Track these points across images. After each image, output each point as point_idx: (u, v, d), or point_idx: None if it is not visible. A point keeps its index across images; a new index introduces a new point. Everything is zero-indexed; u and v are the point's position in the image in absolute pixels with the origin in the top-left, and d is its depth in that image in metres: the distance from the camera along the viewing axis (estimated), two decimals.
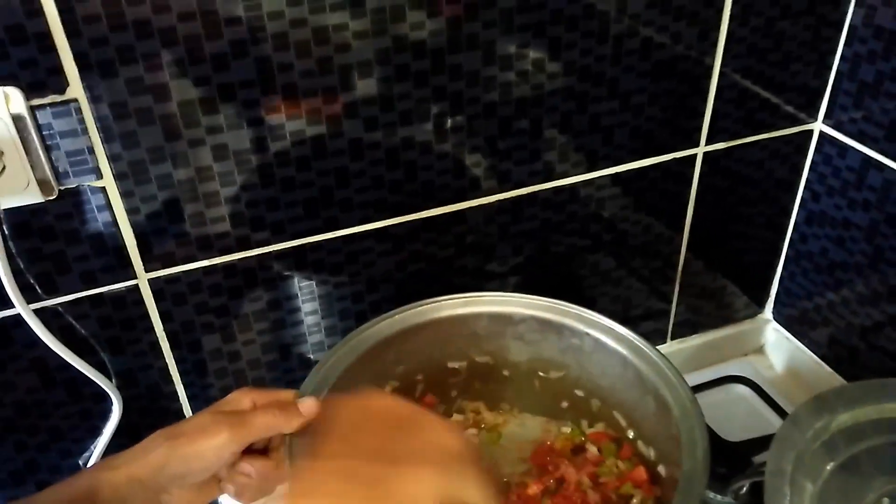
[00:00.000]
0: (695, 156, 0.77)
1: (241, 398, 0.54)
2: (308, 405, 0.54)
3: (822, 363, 0.89)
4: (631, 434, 0.66)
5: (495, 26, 0.62)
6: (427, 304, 0.67)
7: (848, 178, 0.79)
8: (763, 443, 0.76)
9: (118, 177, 0.58)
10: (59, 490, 0.50)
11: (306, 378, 0.60)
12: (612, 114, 0.71)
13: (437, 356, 0.70)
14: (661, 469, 0.63)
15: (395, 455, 0.47)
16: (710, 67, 0.72)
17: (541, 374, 0.71)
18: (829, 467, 0.57)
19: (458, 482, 0.46)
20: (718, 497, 0.71)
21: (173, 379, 0.69)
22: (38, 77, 0.52)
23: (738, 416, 0.86)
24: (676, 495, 0.51)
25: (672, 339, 0.92)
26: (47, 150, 0.55)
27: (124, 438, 0.69)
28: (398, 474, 0.45)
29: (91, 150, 0.56)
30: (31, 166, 0.55)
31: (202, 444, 0.50)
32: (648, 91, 0.71)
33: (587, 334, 0.66)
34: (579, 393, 0.70)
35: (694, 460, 0.54)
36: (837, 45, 0.76)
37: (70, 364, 0.62)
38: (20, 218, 0.57)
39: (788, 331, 0.93)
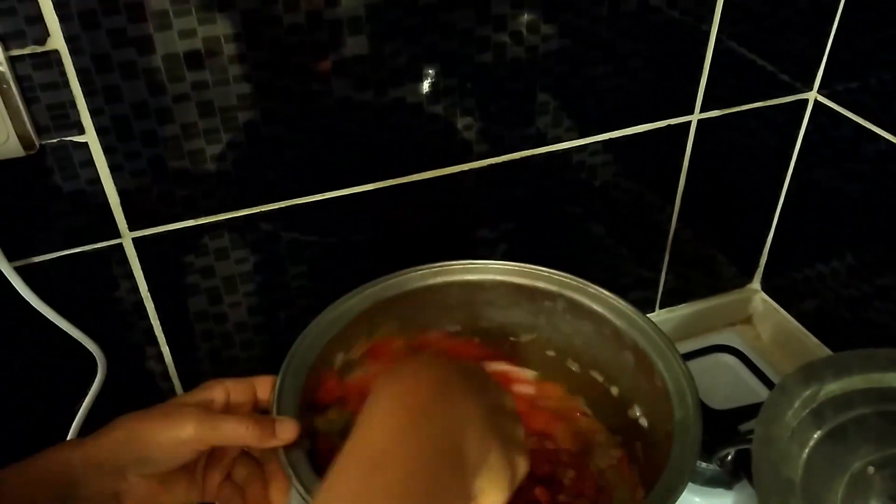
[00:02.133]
0: (689, 123, 0.77)
1: (214, 388, 0.51)
2: (286, 428, 0.49)
3: (809, 334, 0.89)
4: (615, 391, 0.66)
5: None
6: (398, 276, 0.66)
7: (842, 148, 0.78)
8: (749, 411, 0.77)
9: (101, 132, 0.57)
10: (19, 469, 0.47)
11: (284, 361, 0.57)
12: (606, 78, 0.70)
13: (411, 327, 0.68)
14: (643, 422, 0.63)
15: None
16: (707, 33, 0.71)
17: (511, 338, 0.70)
18: (816, 435, 0.57)
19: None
20: (704, 464, 0.72)
21: (158, 340, 0.68)
22: (18, 26, 0.51)
23: (725, 385, 0.86)
24: (666, 470, 0.51)
25: (661, 307, 0.92)
26: (27, 102, 0.53)
27: (109, 400, 0.68)
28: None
29: (73, 104, 0.55)
30: (11, 119, 0.53)
31: (164, 432, 0.47)
32: (644, 56, 0.70)
33: (560, 295, 0.66)
34: (550, 353, 0.69)
35: (686, 410, 0.54)
36: (835, 14, 0.75)
37: (53, 324, 0.61)
38: (0, 173, 0.55)
39: (777, 301, 0.93)
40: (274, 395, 0.54)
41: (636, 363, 0.61)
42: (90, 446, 0.48)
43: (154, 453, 0.48)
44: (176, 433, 0.47)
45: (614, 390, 0.66)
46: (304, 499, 0.48)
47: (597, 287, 0.65)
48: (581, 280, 0.65)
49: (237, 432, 0.48)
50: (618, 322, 0.63)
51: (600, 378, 0.67)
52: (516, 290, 0.67)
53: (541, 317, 0.68)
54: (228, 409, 0.51)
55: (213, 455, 0.53)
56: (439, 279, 0.67)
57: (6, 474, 0.47)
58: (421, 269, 0.66)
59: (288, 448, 0.50)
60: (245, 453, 0.54)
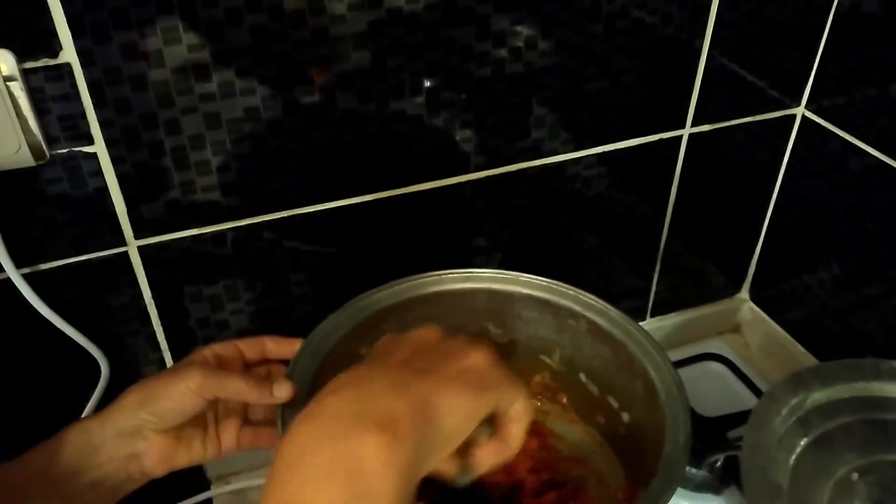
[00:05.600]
0: (681, 137, 0.79)
1: (203, 351, 0.55)
2: (282, 388, 0.53)
3: (796, 343, 0.91)
4: (626, 418, 0.67)
5: (490, 1, 0.62)
6: (428, 276, 0.67)
7: (829, 162, 0.80)
8: (737, 418, 0.79)
9: (109, 143, 0.58)
10: (40, 447, 0.51)
11: (305, 340, 0.60)
12: (601, 93, 0.72)
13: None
14: (635, 428, 0.64)
15: (429, 370, 0.44)
16: (699, 50, 0.73)
17: (541, 356, 0.71)
18: (802, 442, 0.59)
19: (495, 397, 0.45)
20: (693, 470, 0.73)
21: (161, 346, 0.70)
22: (31, 39, 0.52)
23: (714, 393, 0.88)
24: (656, 478, 0.52)
25: (651, 316, 0.94)
26: (39, 114, 0.55)
27: None
28: (436, 383, 0.43)
29: (83, 116, 0.56)
30: (23, 130, 0.54)
31: (173, 385, 0.51)
32: (638, 71, 0.72)
33: (583, 316, 0.67)
34: (579, 375, 0.71)
35: (675, 444, 0.55)
36: (823, 32, 0.77)
37: (59, 329, 0.63)
38: (11, 182, 0.56)
39: (764, 311, 0.95)
40: (287, 372, 0.56)
41: (644, 391, 0.62)
42: (106, 415, 0.51)
43: (166, 404, 0.51)
44: (185, 384, 0.51)
45: (625, 416, 0.67)
46: None
47: (617, 311, 0.65)
48: (604, 302, 0.66)
49: (238, 386, 0.52)
50: (633, 349, 0.63)
51: (615, 405, 0.68)
52: (542, 305, 0.68)
53: (564, 335, 0.69)
54: (222, 366, 0.55)
55: (222, 411, 0.56)
56: (468, 285, 0.68)
57: (26, 456, 0.50)
58: (450, 273, 0.67)
59: (286, 406, 0.53)
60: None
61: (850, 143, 0.77)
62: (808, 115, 0.82)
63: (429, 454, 0.41)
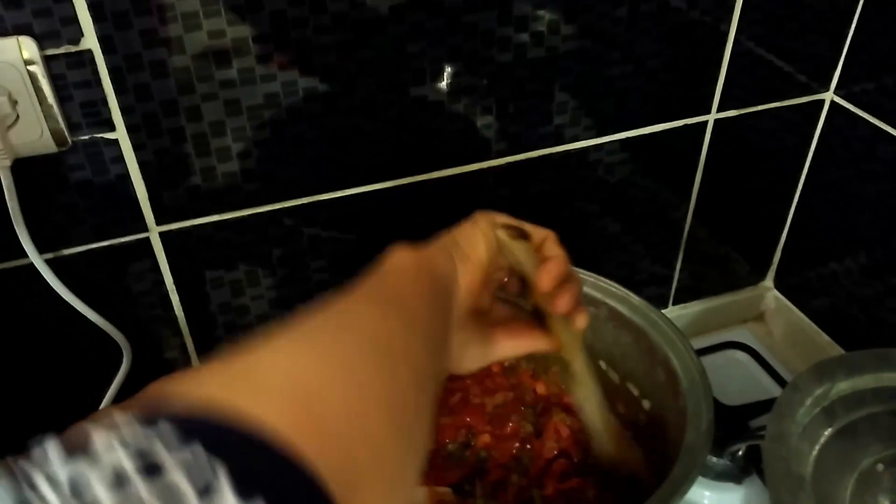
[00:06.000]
0: (706, 123, 0.77)
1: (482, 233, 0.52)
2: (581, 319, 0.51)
3: (821, 332, 0.90)
4: (647, 405, 0.67)
5: None
6: None
7: (857, 149, 0.79)
8: (760, 408, 0.78)
9: (131, 129, 0.58)
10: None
11: None
12: (624, 78, 0.71)
13: None
14: (657, 416, 0.64)
15: None
16: (726, 34, 0.72)
17: None
18: (827, 433, 0.58)
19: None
20: (715, 459, 0.73)
21: (182, 331, 0.70)
22: (53, 27, 0.52)
23: (736, 382, 0.87)
24: (677, 463, 0.52)
25: (674, 304, 0.93)
26: (60, 100, 0.55)
27: (134, 388, 0.69)
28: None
29: (104, 102, 0.56)
30: (45, 116, 0.55)
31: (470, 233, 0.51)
32: (662, 56, 0.71)
33: (604, 303, 0.66)
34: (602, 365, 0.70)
35: (697, 432, 0.55)
36: (853, 16, 0.75)
37: (81, 314, 0.63)
38: (34, 168, 0.57)
39: (789, 299, 0.94)
40: None
41: (665, 379, 0.62)
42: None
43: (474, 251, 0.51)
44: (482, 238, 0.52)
45: (646, 404, 0.67)
46: None
47: (638, 297, 0.65)
48: (624, 290, 0.65)
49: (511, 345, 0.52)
50: (654, 336, 0.63)
51: (636, 392, 0.68)
52: None
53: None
54: None
55: None
56: None
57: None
58: None
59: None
60: None
61: (879, 129, 0.75)
62: (837, 100, 0.80)
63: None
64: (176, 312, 0.69)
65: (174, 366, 0.72)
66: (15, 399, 0.67)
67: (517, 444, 0.65)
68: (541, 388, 0.70)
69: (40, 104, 0.54)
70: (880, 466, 0.56)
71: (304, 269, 0.71)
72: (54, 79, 0.54)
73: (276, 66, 0.59)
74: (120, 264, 0.64)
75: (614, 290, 0.66)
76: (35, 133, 0.55)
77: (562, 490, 0.62)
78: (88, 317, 0.64)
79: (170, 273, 0.66)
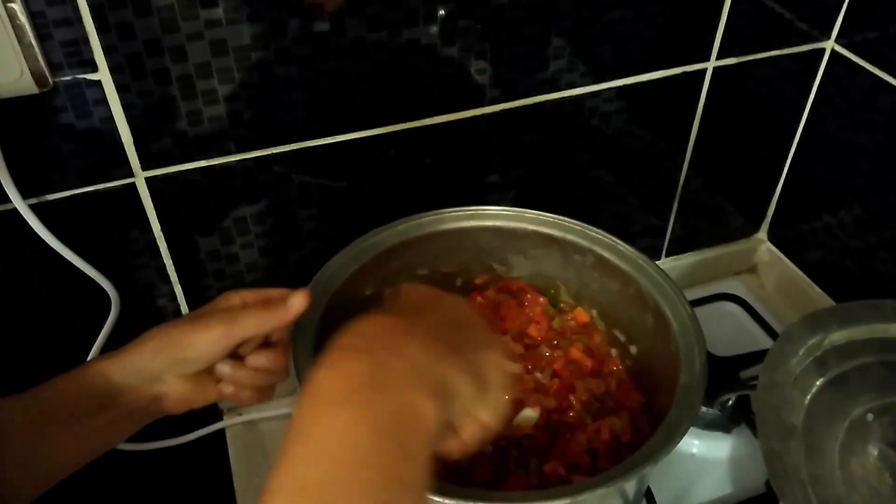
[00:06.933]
0: (705, 70, 0.76)
1: (231, 297, 0.55)
2: (296, 300, 0.53)
3: (813, 284, 0.90)
4: (633, 350, 0.67)
5: None
6: (431, 215, 0.67)
7: (857, 99, 0.78)
8: (750, 359, 0.79)
9: (114, 70, 0.56)
10: (58, 383, 0.51)
11: (310, 282, 0.60)
12: (623, 23, 0.69)
13: (440, 268, 0.69)
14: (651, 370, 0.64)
15: (454, 350, 0.43)
16: None
17: (552, 290, 0.71)
18: (818, 383, 0.58)
19: (491, 402, 0.45)
20: (704, 408, 0.73)
21: (171, 279, 0.69)
22: None
23: (727, 333, 0.87)
24: (673, 407, 0.52)
25: (667, 255, 0.93)
26: (40, 39, 0.53)
27: (123, 336, 0.69)
28: (457, 368, 0.43)
29: (86, 41, 0.54)
30: (25, 56, 0.53)
31: (196, 335, 0.51)
32: (663, 1, 0.69)
33: (590, 250, 0.66)
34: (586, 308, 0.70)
35: (692, 374, 0.55)
36: None
37: (68, 261, 0.62)
38: (14, 110, 0.55)
39: (782, 251, 0.94)
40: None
41: (655, 325, 0.62)
42: (127, 356, 0.52)
43: (189, 354, 0.51)
44: (207, 335, 0.51)
45: (633, 349, 0.67)
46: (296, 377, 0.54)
47: (626, 245, 0.65)
48: (612, 237, 0.65)
49: (257, 319, 0.52)
50: (643, 282, 0.63)
51: (622, 337, 0.68)
52: (548, 240, 0.67)
53: (570, 270, 0.68)
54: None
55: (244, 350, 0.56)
56: (472, 223, 0.67)
57: (43, 389, 0.50)
58: (454, 211, 0.67)
59: (297, 331, 0.55)
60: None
61: (880, 78, 0.74)
62: (838, 49, 0.78)
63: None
64: (164, 260, 0.68)
65: (164, 314, 0.71)
66: (1, 347, 0.66)
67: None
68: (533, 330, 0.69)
69: (20, 42, 0.52)
70: (871, 416, 0.57)
71: (294, 216, 0.70)
72: (34, 16, 0.52)
73: (263, 4, 0.57)
74: (106, 210, 0.63)
75: (601, 237, 0.66)
76: (14, 73, 0.53)
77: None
78: (75, 263, 0.63)
79: (157, 219, 0.65)
